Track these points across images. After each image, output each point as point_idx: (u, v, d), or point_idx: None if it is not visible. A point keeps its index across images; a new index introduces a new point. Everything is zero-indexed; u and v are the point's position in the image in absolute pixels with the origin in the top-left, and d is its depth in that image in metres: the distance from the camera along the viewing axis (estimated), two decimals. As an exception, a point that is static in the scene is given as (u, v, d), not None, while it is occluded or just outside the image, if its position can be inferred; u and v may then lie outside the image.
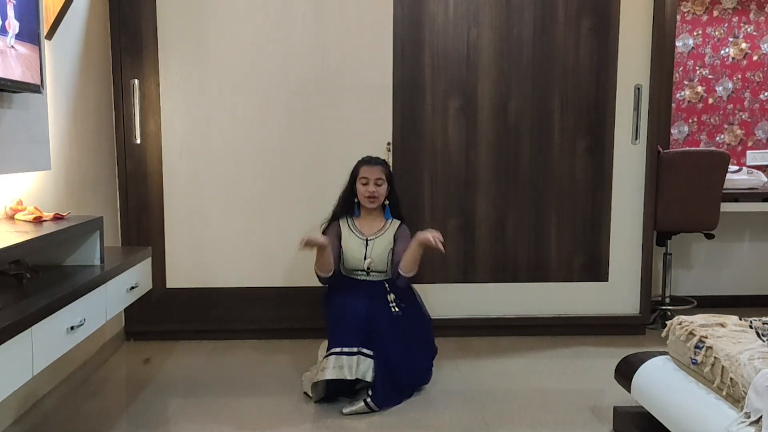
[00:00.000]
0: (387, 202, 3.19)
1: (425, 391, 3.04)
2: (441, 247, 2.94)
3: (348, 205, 3.19)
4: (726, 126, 4.44)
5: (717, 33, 4.36)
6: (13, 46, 2.26)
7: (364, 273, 3.14)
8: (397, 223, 3.21)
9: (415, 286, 3.31)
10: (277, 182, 3.72)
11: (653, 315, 4.05)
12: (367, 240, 3.14)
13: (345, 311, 2.90)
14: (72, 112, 3.12)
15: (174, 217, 3.71)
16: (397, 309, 3.01)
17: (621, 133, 3.78)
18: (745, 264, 4.45)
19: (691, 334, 2.21)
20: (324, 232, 3.17)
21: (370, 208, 3.15)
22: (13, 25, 2.25)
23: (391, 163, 3.68)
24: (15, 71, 2.26)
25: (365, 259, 3.11)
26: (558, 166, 3.78)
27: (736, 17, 4.36)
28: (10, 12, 2.24)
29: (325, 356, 2.84)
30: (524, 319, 3.83)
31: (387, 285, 3.11)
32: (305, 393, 2.96)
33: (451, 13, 3.67)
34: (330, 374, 2.77)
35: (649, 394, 2.35)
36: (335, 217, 3.22)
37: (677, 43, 4.33)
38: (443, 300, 3.77)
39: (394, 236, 3.15)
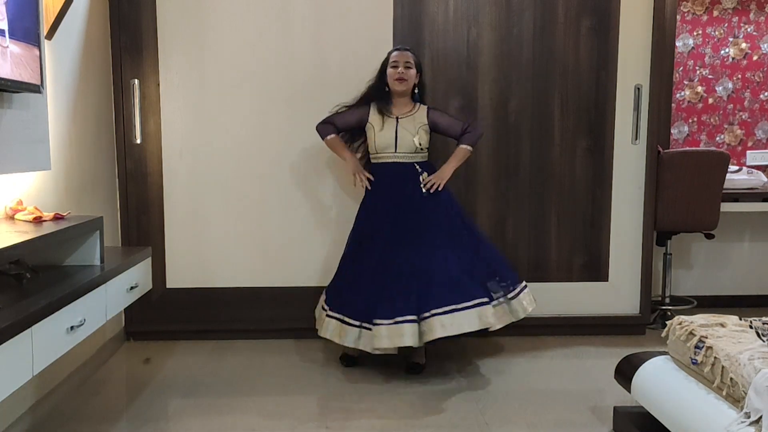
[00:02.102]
0: (416, 91, 3.29)
1: (426, 391, 3.05)
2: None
3: (378, 93, 3.26)
4: (726, 126, 4.44)
5: (717, 33, 4.36)
6: (6, 46, 2.25)
7: (393, 152, 3.23)
8: (425, 107, 3.30)
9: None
10: (277, 182, 3.72)
11: (653, 315, 4.05)
12: (397, 119, 3.24)
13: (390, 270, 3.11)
14: (72, 112, 3.12)
15: (174, 217, 3.71)
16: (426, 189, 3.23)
17: (621, 133, 3.78)
18: (745, 264, 4.45)
19: (691, 334, 2.21)
20: (349, 107, 3.32)
21: (400, 90, 3.22)
22: (4, 25, 2.24)
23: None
24: (6, 70, 2.24)
25: (396, 136, 3.22)
26: (558, 165, 3.78)
27: (736, 17, 4.36)
28: (1, 11, 2.22)
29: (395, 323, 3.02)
30: (524, 319, 3.80)
31: (418, 166, 3.26)
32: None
33: (451, 13, 3.67)
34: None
35: (649, 394, 2.35)
36: (366, 102, 3.30)
37: (677, 43, 4.33)
38: (443, 300, 3.77)
39: (429, 119, 3.26)
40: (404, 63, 3.20)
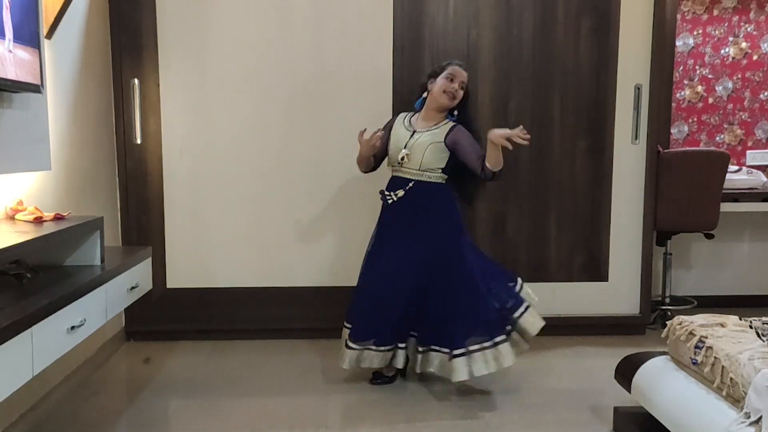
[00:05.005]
0: (455, 113, 3.06)
1: (426, 391, 3.05)
2: (521, 141, 2.86)
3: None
4: (726, 126, 4.44)
5: (717, 32, 4.36)
6: (10, 50, 2.25)
7: (398, 165, 3.04)
8: (450, 123, 3.04)
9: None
10: (277, 182, 3.72)
11: (653, 315, 4.05)
12: (414, 132, 3.04)
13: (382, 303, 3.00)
14: (72, 112, 3.12)
15: (174, 217, 3.71)
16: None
17: (621, 132, 3.78)
18: (745, 264, 4.45)
19: (691, 334, 2.21)
20: (384, 127, 3.15)
21: (443, 104, 3.01)
22: (9, 29, 2.24)
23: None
24: (7, 71, 2.24)
25: (403, 149, 3.02)
26: (558, 165, 3.78)
27: (737, 17, 4.36)
28: (6, 15, 2.23)
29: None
30: (524, 319, 3.82)
31: (411, 184, 3.02)
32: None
33: (451, 13, 3.67)
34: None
35: (649, 394, 2.35)
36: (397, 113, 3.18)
37: (677, 43, 4.33)
38: (443, 300, 3.77)
39: (448, 137, 2.99)
40: (460, 82, 3.02)
